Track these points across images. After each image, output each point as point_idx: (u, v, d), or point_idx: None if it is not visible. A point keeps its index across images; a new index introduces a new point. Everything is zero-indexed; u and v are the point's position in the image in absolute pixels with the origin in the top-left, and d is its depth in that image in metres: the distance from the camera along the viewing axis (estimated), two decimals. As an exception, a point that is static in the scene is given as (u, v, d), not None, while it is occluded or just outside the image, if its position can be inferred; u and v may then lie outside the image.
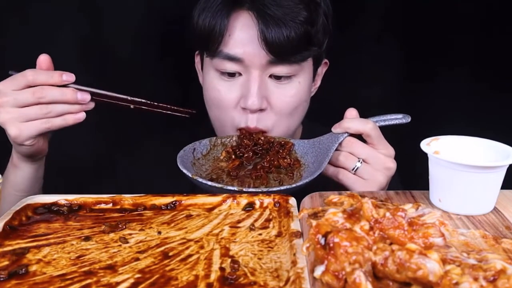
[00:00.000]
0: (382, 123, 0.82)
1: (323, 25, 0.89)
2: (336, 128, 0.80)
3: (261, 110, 0.87)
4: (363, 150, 0.78)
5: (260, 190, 0.73)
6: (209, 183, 0.74)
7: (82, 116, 0.78)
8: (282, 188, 0.73)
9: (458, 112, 1.25)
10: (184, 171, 0.77)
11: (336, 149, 0.79)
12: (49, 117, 0.76)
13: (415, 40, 1.28)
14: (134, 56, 1.23)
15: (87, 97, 0.77)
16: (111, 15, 1.20)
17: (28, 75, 0.76)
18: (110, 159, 1.17)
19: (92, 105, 0.79)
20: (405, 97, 1.31)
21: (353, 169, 0.79)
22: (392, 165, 0.80)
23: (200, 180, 0.75)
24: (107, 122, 1.18)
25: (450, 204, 0.65)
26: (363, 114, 1.32)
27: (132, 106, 0.80)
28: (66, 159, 1.16)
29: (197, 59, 1.01)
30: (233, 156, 0.86)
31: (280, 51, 0.83)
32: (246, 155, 0.85)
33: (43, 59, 0.79)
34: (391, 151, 0.80)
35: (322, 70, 1.00)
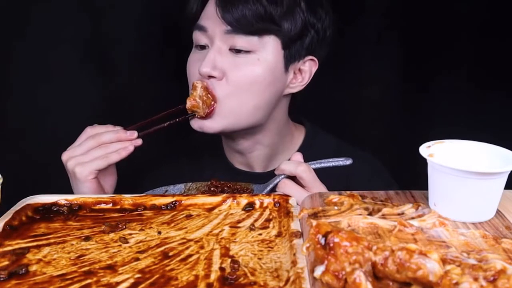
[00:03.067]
0: (318, 165, 0.84)
1: (289, 9, 0.91)
2: (276, 170, 0.84)
3: (214, 77, 0.90)
4: (295, 192, 0.79)
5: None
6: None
7: (131, 148, 0.87)
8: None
9: (458, 112, 1.25)
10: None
11: (275, 190, 0.82)
12: (108, 153, 0.86)
13: (415, 41, 1.28)
14: (134, 55, 1.23)
15: (134, 133, 0.88)
16: (110, 15, 1.20)
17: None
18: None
19: (140, 141, 0.88)
20: (405, 97, 1.31)
21: None
22: None
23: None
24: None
25: (449, 211, 0.64)
26: (363, 115, 1.32)
27: (165, 124, 0.90)
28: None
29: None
30: None
31: (233, 20, 0.88)
32: None
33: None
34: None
35: (310, 68, 0.98)
